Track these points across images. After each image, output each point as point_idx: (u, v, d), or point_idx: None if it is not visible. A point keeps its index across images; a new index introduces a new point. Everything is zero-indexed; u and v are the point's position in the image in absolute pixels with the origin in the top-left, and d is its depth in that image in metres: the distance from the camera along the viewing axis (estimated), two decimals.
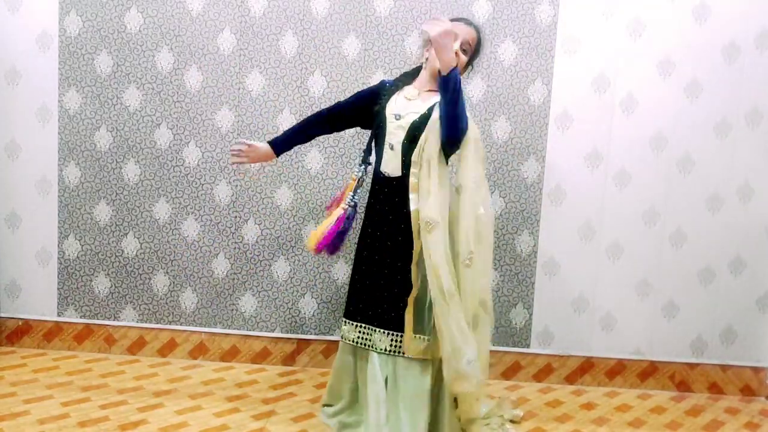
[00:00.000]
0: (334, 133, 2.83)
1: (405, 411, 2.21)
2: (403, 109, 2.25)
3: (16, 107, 2.95)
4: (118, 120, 2.95)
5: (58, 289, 3.04)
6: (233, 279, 3.02)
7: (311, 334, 3.03)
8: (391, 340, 2.23)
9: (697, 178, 2.92)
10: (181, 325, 3.04)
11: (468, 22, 2.27)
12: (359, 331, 2.31)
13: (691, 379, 3.01)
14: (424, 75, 2.29)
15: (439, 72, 2.06)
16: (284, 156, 2.93)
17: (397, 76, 2.43)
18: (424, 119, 2.19)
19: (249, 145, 2.38)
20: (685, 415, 2.77)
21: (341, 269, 2.99)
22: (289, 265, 3.00)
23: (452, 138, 2.13)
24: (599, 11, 2.85)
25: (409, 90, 2.29)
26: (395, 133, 2.24)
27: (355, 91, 2.46)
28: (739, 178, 2.92)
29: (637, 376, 3.01)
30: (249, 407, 2.57)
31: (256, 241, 2.99)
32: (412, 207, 2.18)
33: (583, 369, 3.02)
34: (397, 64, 2.88)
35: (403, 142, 2.22)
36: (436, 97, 2.19)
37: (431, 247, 2.11)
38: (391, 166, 2.25)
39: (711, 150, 2.91)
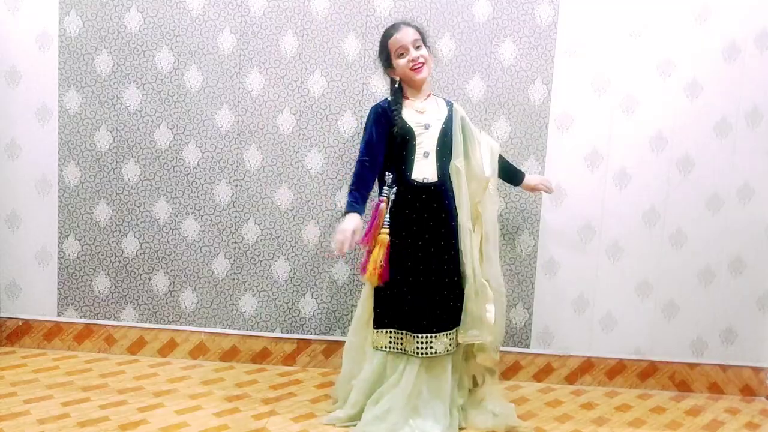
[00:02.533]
0: (335, 132, 2.86)
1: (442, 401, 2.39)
2: (427, 119, 2.39)
3: (16, 107, 2.95)
4: (118, 120, 2.95)
5: (58, 289, 3.04)
6: (233, 279, 3.02)
7: (311, 334, 3.03)
8: (450, 339, 2.38)
9: (697, 178, 2.92)
10: (181, 325, 3.04)
11: (401, 25, 2.40)
12: (420, 342, 2.35)
13: (691, 379, 3.01)
14: (411, 90, 2.44)
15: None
16: (284, 156, 2.95)
17: (387, 98, 2.48)
18: (449, 123, 2.41)
19: (351, 234, 2.25)
20: (685, 415, 2.77)
21: (341, 269, 2.99)
22: (289, 265, 3.00)
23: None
24: (599, 11, 2.85)
25: (414, 104, 2.41)
26: (428, 142, 2.38)
27: (367, 127, 2.42)
28: (739, 178, 2.92)
29: (637, 376, 3.01)
30: (249, 407, 2.57)
31: (256, 241, 2.99)
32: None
33: (583, 369, 3.02)
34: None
35: (437, 149, 2.39)
36: (437, 100, 2.49)
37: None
38: (428, 172, 2.37)
39: (711, 150, 2.91)
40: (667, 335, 2.99)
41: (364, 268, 2.35)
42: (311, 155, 2.95)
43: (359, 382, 2.43)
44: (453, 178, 2.41)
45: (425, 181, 2.37)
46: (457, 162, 2.40)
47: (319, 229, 2.97)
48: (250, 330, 3.04)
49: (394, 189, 2.38)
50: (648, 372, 3.01)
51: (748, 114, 2.89)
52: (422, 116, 2.40)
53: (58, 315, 3.05)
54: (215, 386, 2.75)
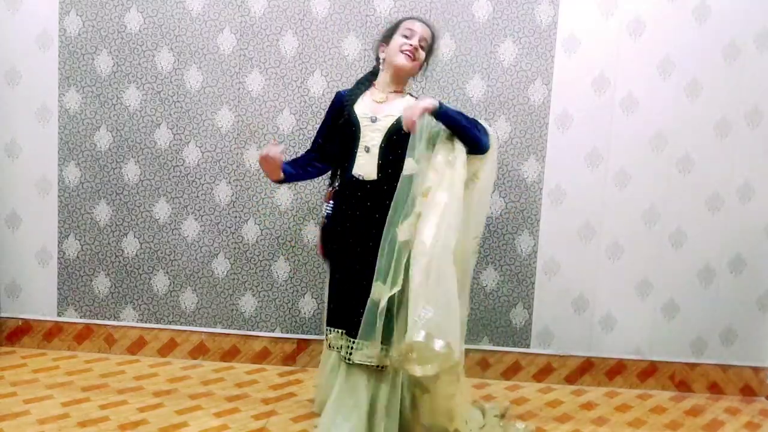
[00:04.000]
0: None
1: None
2: (377, 111, 2.24)
3: (16, 107, 2.95)
4: (118, 120, 2.95)
5: (58, 289, 3.04)
6: (233, 279, 3.02)
7: (311, 334, 3.03)
8: (369, 352, 2.15)
9: (697, 178, 2.92)
10: (181, 325, 3.04)
11: (423, 20, 2.32)
12: (343, 339, 2.23)
13: (691, 379, 3.01)
14: (384, 77, 2.28)
15: (435, 115, 2.12)
16: (284, 156, 2.93)
17: (353, 84, 2.38)
18: (401, 122, 2.17)
19: (270, 157, 2.18)
20: (685, 415, 2.77)
21: None
22: (289, 265, 3.00)
23: (483, 151, 2.20)
24: (599, 11, 2.85)
25: (375, 93, 2.28)
26: (371, 136, 2.22)
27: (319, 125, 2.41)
28: (739, 178, 2.92)
29: (637, 376, 3.01)
30: (249, 407, 2.57)
31: (256, 241, 2.99)
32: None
33: (583, 369, 3.02)
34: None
35: (381, 145, 2.21)
36: (406, 99, 2.27)
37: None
38: (367, 169, 2.22)
39: (711, 150, 2.91)
40: (667, 335, 2.99)
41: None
42: None
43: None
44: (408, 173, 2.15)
45: (361, 177, 2.22)
46: (411, 163, 2.14)
47: (319, 229, 2.97)
48: (250, 330, 3.04)
49: (337, 183, 2.34)
50: (648, 372, 3.01)
51: (748, 114, 2.89)
52: (376, 107, 2.24)
53: (58, 315, 3.05)
54: (215, 386, 2.75)
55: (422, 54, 2.27)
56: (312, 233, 2.97)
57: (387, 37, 2.30)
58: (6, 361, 2.89)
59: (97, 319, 3.04)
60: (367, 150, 2.22)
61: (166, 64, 2.92)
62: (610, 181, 2.93)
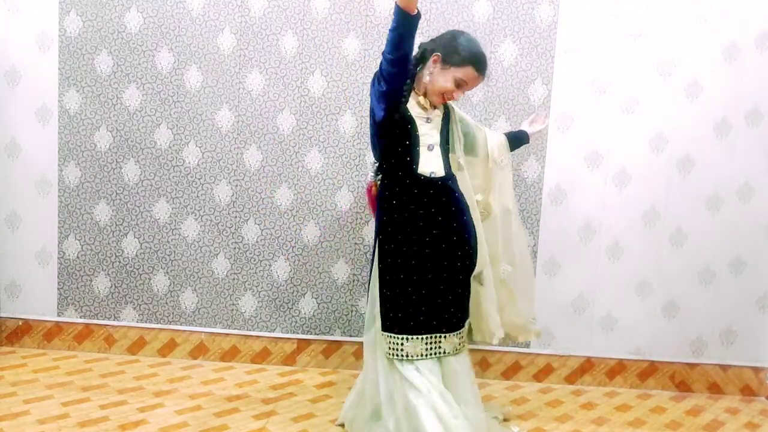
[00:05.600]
0: (335, 132, 2.85)
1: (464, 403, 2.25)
2: (428, 114, 2.26)
3: (16, 107, 2.95)
4: (118, 120, 2.95)
5: (58, 289, 3.04)
6: (233, 279, 3.02)
7: (311, 334, 3.03)
8: (460, 339, 2.27)
9: (697, 178, 2.92)
10: (181, 325, 3.04)
11: (484, 69, 2.22)
12: (426, 343, 2.20)
13: (691, 379, 3.01)
14: (424, 91, 2.26)
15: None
16: (284, 156, 2.95)
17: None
18: (446, 119, 2.31)
19: None
20: (685, 415, 2.77)
21: (341, 269, 2.99)
22: (289, 265, 3.00)
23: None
24: (599, 12, 2.85)
25: (419, 98, 2.26)
26: (430, 134, 2.25)
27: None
28: (739, 178, 2.92)
29: (637, 376, 3.01)
30: (249, 407, 2.57)
31: (256, 241, 2.99)
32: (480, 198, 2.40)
33: (583, 369, 3.02)
34: None
35: (441, 143, 2.27)
36: (439, 107, 2.31)
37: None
38: (435, 166, 2.23)
39: (711, 150, 2.91)
40: (667, 335, 2.99)
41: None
42: (311, 155, 2.95)
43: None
44: (456, 173, 2.32)
45: (432, 175, 2.21)
46: (458, 157, 2.33)
47: (319, 229, 2.97)
48: (250, 330, 3.04)
49: (379, 177, 2.30)
50: (648, 372, 3.01)
51: (748, 114, 2.89)
52: (423, 111, 2.26)
53: (58, 315, 3.05)
54: (215, 386, 2.75)
55: (460, 93, 2.24)
56: (312, 233, 2.97)
57: (447, 57, 2.17)
58: (6, 361, 2.89)
59: (97, 319, 3.04)
60: (431, 149, 2.24)
61: (166, 64, 2.92)
62: (610, 181, 2.93)
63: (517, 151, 2.91)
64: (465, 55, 2.17)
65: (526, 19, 2.87)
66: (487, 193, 2.45)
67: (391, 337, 2.20)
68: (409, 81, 2.21)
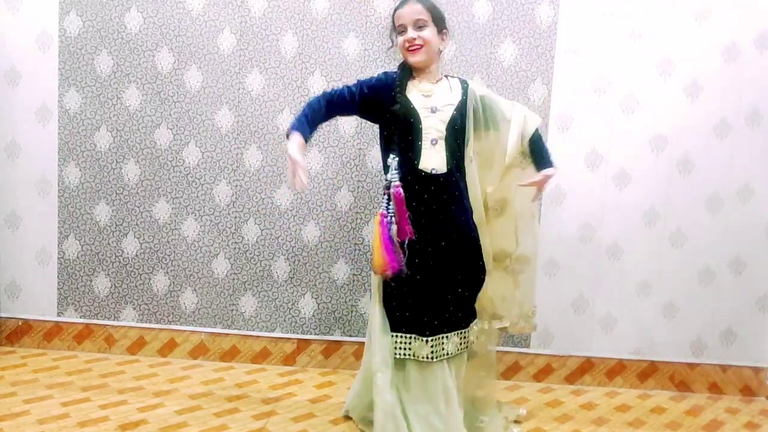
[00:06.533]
0: (334, 132, 2.84)
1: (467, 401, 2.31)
2: (435, 102, 2.20)
3: (16, 107, 2.95)
4: (118, 120, 2.95)
5: (58, 289, 3.04)
6: (233, 279, 3.02)
7: (311, 334, 3.03)
8: (461, 339, 2.26)
9: (697, 178, 2.92)
10: (181, 325, 3.04)
11: (404, 1, 2.20)
12: (432, 345, 2.18)
13: (691, 379, 3.01)
14: (415, 70, 2.24)
15: None
16: (284, 156, 2.94)
17: (394, 70, 2.32)
18: (462, 108, 2.22)
19: (296, 162, 2.10)
20: (685, 415, 2.77)
21: (341, 269, 2.99)
22: (289, 265, 3.00)
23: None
24: (599, 11, 2.85)
25: (420, 85, 2.22)
26: (435, 127, 2.18)
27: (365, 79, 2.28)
28: (739, 178, 2.92)
29: (637, 376, 3.01)
30: (249, 407, 2.57)
31: (256, 241, 3.00)
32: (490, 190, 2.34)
33: (583, 369, 3.02)
34: (397, 63, 2.87)
35: (446, 137, 2.19)
36: (452, 82, 2.28)
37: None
38: (437, 162, 2.18)
39: (711, 150, 2.91)
40: (667, 335, 2.99)
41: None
42: (311, 155, 2.95)
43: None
44: (466, 168, 2.24)
45: (433, 172, 2.17)
46: (469, 151, 2.23)
47: (319, 229, 2.97)
48: (250, 330, 3.04)
49: (399, 171, 2.17)
50: (648, 372, 3.01)
51: (748, 114, 2.89)
52: (429, 99, 2.19)
53: (58, 315, 3.05)
54: (215, 386, 2.75)
55: (428, 34, 2.17)
56: (312, 233, 2.97)
57: (393, 39, 2.28)
58: (6, 361, 2.89)
59: (97, 319, 3.04)
60: (434, 143, 2.18)
61: (166, 64, 2.92)
62: (610, 182, 2.94)
63: None
64: (392, 15, 2.26)
65: (526, 19, 2.87)
66: (497, 186, 2.35)
67: (398, 336, 2.20)
68: (398, 83, 2.21)
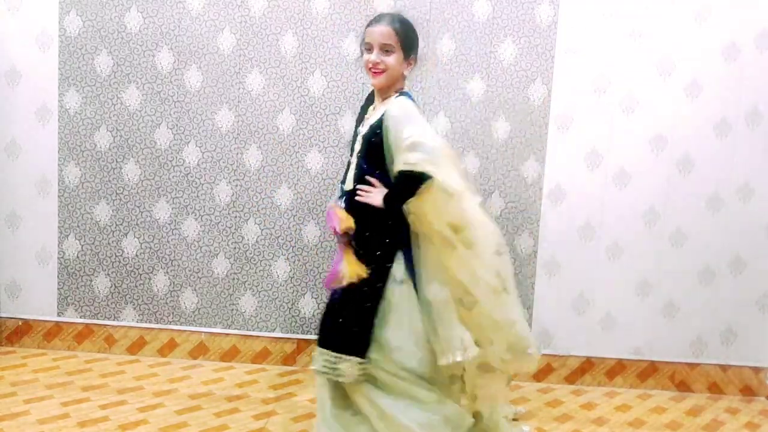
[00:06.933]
0: (335, 132, 2.84)
1: None
2: (365, 123, 2.21)
3: (16, 107, 2.95)
4: (118, 120, 2.95)
5: (58, 289, 3.03)
6: (233, 279, 3.02)
7: (311, 334, 3.03)
8: (325, 361, 2.16)
9: (697, 178, 2.92)
10: (181, 325, 3.04)
11: (379, 20, 2.14)
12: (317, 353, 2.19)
13: (691, 379, 3.01)
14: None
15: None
16: (284, 156, 2.95)
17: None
18: (373, 130, 2.12)
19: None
20: (685, 415, 2.77)
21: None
22: (289, 265, 3.00)
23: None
24: (599, 11, 2.85)
25: (375, 105, 2.24)
26: (357, 148, 2.20)
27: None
28: (739, 178, 2.92)
29: (637, 376, 3.01)
30: (249, 407, 2.57)
31: (256, 241, 3.00)
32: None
33: (583, 369, 3.02)
34: None
35: (358, 156, 2.17)
36: (388, 103, 2.14)
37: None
38: (348, 180, 2.19)
39: (711, 150, 2.91)
40: (667, 335, 2.99)
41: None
42: (311, 155, 2.95)
43: None
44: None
45: (344, 189, 2.21)
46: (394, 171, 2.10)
47: (319, 229, 2.97)
48: (250, 330, 3.04)
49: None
50: (648, 372, 3.01)
51: (748, 114, 2.89)
52: (368, 120, 2.21)
53: (58, 315, 3.05)
54: (215, 386, 2.75)
55: (392, 61, 2.10)
56: (312, 233, 2.98)
57: (362, 50, 2.19)
58: (6, 361, 2.89)
59: (97, 319, 3.04)
60: (350, 163, 2.22)
61: (166, 64, 2.92)
62: (610, 181, 2.93)
63: (517, 150, 2.93)
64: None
65: (526, 19, 2.87)
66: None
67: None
68: (364, 104, 2.28)
